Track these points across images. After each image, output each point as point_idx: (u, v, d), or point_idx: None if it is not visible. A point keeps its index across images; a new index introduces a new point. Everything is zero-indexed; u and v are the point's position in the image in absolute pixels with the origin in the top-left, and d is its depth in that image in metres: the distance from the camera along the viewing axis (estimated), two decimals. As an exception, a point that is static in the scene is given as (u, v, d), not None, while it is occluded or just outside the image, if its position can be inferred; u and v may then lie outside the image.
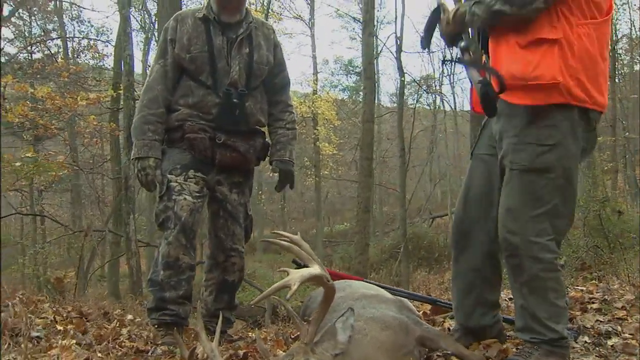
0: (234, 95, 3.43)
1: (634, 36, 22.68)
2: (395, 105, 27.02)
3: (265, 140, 3.70)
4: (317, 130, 25.60)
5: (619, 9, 20.94)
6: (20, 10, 18.07)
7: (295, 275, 2.11)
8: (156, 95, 3.42)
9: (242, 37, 3.49)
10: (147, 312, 3.49)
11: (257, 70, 3.54)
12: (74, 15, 22.14)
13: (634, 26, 22.75)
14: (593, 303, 3.85)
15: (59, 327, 3.37)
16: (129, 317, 4.44)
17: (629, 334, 3.09)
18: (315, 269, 2.18)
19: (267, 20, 18.66)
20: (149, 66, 23.07)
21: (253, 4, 22.18)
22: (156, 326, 3.35)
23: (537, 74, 2.36)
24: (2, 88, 9.30)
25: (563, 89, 2.37)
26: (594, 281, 5.16)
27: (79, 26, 22.75)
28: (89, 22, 23.42)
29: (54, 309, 4.07)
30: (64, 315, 3.94)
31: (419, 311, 3.59)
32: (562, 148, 2.45)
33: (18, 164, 9.31)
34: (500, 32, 2.51)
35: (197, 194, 3.37)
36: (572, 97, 2.40)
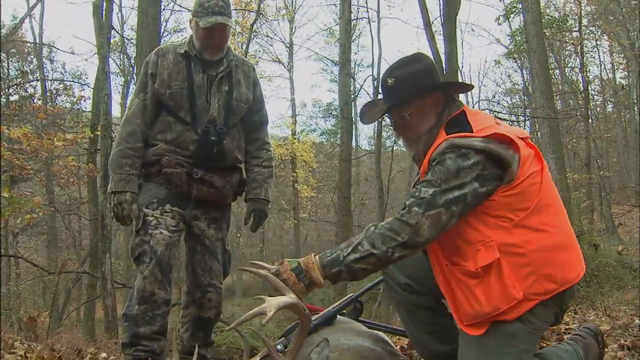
0: (212, 133, 3.42)
1: (604, 78, 23.28)
2: (373, 147, 27.25)
3: (242, 176, 3.70)
4: (296, 172, 25.68)
5: (590, 51, 21.53)
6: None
7: (272, 302, 2.10)
8: (135, 130, 3.41)
9: (222, 74, 3.50)
10: (121, 348, 3.44)
11: (236, 108, 3.54)
12: (50, 57, 22.28)
13: (604, 68, 23.39)
14: (569, 333, 3.86)
15: (30, 363, 3.30)
16: (103, 355, 4.36)
17: (605, 363, 3.09)
18: (291, 297, 2.17)
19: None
20: (127, 109, 23.31)
21: (231, 45, 22.44)
22: None
23: (494, 304, 2.24)
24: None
25: (527, 297, 2.24)
26: (570, 312, 5.18)
27: (55, 69, 22.89)
28: (63, 67, 23.45)
29: (25, 345, 3.99)
30: (35, 352, 3.86)
31: (396, 346, 3.57)
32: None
33: (-7, 202, 9.18)
34: (444, 270, 2.40)
35: (174, 228, 3.35)
36: (541, 295, 2.27)
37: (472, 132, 2.29)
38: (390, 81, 2.53)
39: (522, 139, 2.35)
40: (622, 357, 3.42)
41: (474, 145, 2.23)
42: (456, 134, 2.28)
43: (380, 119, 2.73)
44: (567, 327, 4.12)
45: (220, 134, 3.45)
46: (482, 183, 2.22)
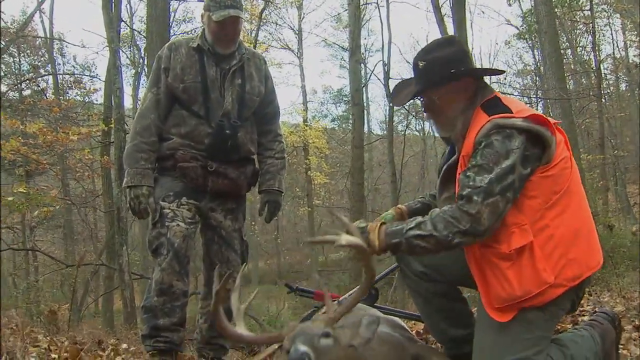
0: (226, 127, 3.45)
1: (617, 56, 23.05)
2: (385, 132, 27.20)
3: (255, 167, 3.73)
4: (309, 159, 25.68)
5: (601, 28, 21.30)
6: (10, 47, 18.20)
7: (347, 236, 2.12)
8: (149, 124, 3.43)
9: (235, 68, 3.52)
10: (141, 339, 3.49)
11: (249, 101, 3.57)
12: (61, 51, 22.40)
13: (617, 46, 23.15)
14: (584, 315, 3.88)
15: (54, 356, 3.36)
16: (124, 346, 4.42)
17: (620, 345, 3.11)
18: (364, 243, 2.19)
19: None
20: (139, 100, 23.25)
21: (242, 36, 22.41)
22: (150, 353, 3.34)
23: (525, 288, 2.28)
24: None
25: (557, 282, 2.30)
26: (585, 294, 5.19)
27: (66, 62, 23.01)
28: (74, 58, 23.55)
29: (48, 338, 4.06)
30: (58, 344, 3.93)
31: (411, 331, 3.61)
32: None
33: (11, 198, 9.30)
34: (476, 253, 2.43)
35: (190, 221, 3.39)
36: (570, 280, 2.33)
37: (511, 113, 2.33)
38: (421, 64, 2.55)
39: (553, 124, 2.39)
40: (636, 339, 3.43)
41: (517, 125, 2.27)
42: (498, 115, 2.32)
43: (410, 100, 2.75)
44: (581, 309, 4.13)
45: (235, 127, 3.48)
46: (525, 165, 2.27)
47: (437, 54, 2.54)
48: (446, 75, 2.49)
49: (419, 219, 2.35)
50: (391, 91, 2.84)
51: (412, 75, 2.68)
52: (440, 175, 2.60)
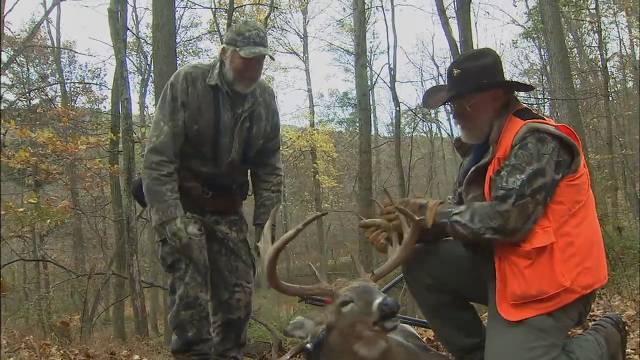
0: (230, 170, 3.46)
1: (624, 54, 22.94)
2: (392, 135, 27.17)
3: (247, 180, 3.74)
4: (316, 163, 25.69)
5: (607, 27, 21.21)
6: (19, 57, 18.31)
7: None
8: (165, 160, 3.28)
9: (247, 114, 3.45)
10: (172, 354, 3.50)
11: (254, 144, 3.55)
12: (70, 60, 22.51)
13: (623, 44, 23.04)
14: (594, 320, 3.87)
15: (67, 369, 3.40)
16: (136, 357, 4.46)
17: (631, 349, 3.13)
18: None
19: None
20: (146, 107, 23.28)
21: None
22: None
23: (541, 288, 2.37)
24: (2, 136, 9.39)
25: (573, 287, 2.39)
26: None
27: (74, 70, 23.13)
28: (85, 66, 23.62)
29: (61, 352, 4.10)
30: (72, 357, 3.96)
31: (422, 337, 3.61)
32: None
33: (22, 209, 9.35)
34: (498, 250, 2.49)
35: (199, 232, 3.37)
36: (583, 288, 2.42)
37: (545, 120, 2.48)
38: (456, 72, 2.67)
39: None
40: (647, 343, 3.42)
41: (550, 131, 2.40)
42: (533, 120, 2.45)
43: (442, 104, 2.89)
44: (591, 314, 4.12)
45: (236, 170, 3.53)
46: (557, 170, 2.40)
47: (472, 63, 2.66)
48: (478, 85, 2.60)
49: (464, 207, 2.48)
50: (424, 94, 2.96)
51: (445, 82, 2.84)
52: (467, 176, 2.66)
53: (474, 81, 2.60)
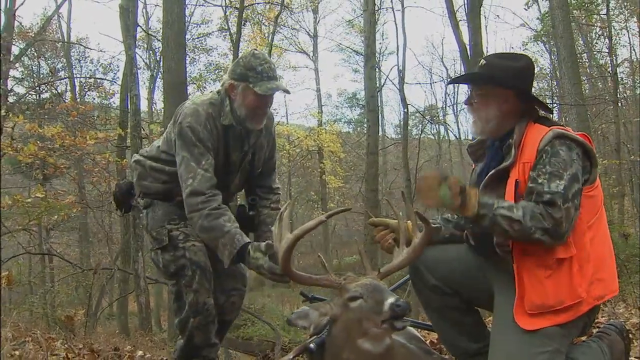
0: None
1: (634, 60, 22.85)
2: (399, 136, 27.15)
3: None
4: (323, 163, 25.71)
5: (618, 33, 21.14)
6: (30, 50, 18.39)
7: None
8: (209, 195, 3.12)
9: (252, 150, 3.43)
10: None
11: (254, 173, 3.55)
12: (81, 56, 22.62)
13: (634, 50, 22.95)
14: (597, 327, 3.86)
15: (72, 364, 3.41)
16: (139, 353, 4.47)
17: (635, 357, 3.12)
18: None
19: (270, 54, 18.79)
20: (154, 104, 23.32)
21: (257, 37, 22.53)
22: None
23: (559, 298, 2.40)
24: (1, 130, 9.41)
25: (587, 299, 2.43)
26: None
27: (85, 64, 23.25)
28: (98, 61, 23.72)
29: (65, 346, 4.12)
30: (76, 352, 3.98)
31: (425, 340, 3.61)
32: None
33: (29, 200, 9.39)
34: (522, 253, 2.49)
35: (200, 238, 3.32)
36: (597, 299, 2.48)
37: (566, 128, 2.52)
38: (483, 62, 2.73)
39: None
40: (652, 351, 3.42)
41: (574, 137, 2.45)
42: (557, 127, 2.49)
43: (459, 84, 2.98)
44: (596, 321, 4.10)
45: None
46: (582, 176, 2.45)
47: (499, 60, 2.70)
48: (490, 77, 2.64)
49: (510, 202, 2.45)
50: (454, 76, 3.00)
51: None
52: (485, 179, 2.65)
53: (493, 74, 2.64)
